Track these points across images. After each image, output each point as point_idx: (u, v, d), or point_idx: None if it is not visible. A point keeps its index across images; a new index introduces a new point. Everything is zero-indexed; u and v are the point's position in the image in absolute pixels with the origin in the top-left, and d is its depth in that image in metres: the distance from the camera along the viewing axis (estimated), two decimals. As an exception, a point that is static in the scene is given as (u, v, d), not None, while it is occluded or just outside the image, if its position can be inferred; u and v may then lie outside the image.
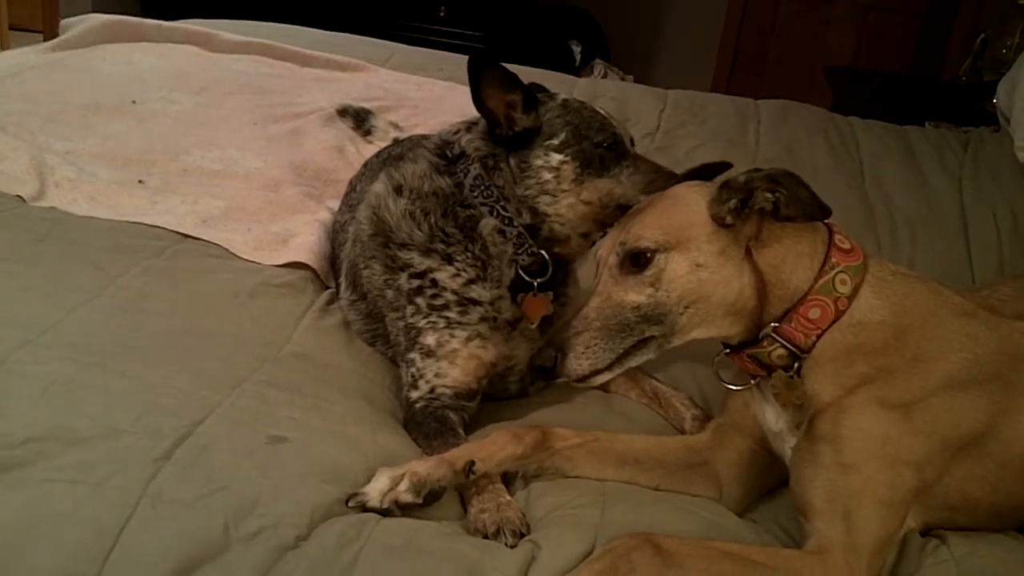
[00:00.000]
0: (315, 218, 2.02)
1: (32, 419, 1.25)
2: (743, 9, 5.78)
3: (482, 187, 1.57)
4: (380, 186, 1.68)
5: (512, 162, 1.57)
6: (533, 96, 1.59)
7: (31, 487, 1.16)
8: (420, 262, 1.59)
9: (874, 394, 1.31)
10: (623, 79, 5.19)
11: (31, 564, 1.09)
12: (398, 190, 1.64)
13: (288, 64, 2.94)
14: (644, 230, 1.37)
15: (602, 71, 5.26)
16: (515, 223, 1.56)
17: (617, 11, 5.73)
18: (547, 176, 1.56)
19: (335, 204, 2.06)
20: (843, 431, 1.30)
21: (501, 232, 1.57)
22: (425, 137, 2.11)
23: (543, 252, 1.58)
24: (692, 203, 1.39)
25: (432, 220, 1.59)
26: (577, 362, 1.35)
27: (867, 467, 1.27)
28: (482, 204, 1.57)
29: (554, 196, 1.56)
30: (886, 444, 1.28)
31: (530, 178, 1.56)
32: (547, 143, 1.57)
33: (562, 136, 1.57)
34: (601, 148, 1.57)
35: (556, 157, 1.56)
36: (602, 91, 3.12)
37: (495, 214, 1.57)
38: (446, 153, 1.63)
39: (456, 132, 1.66)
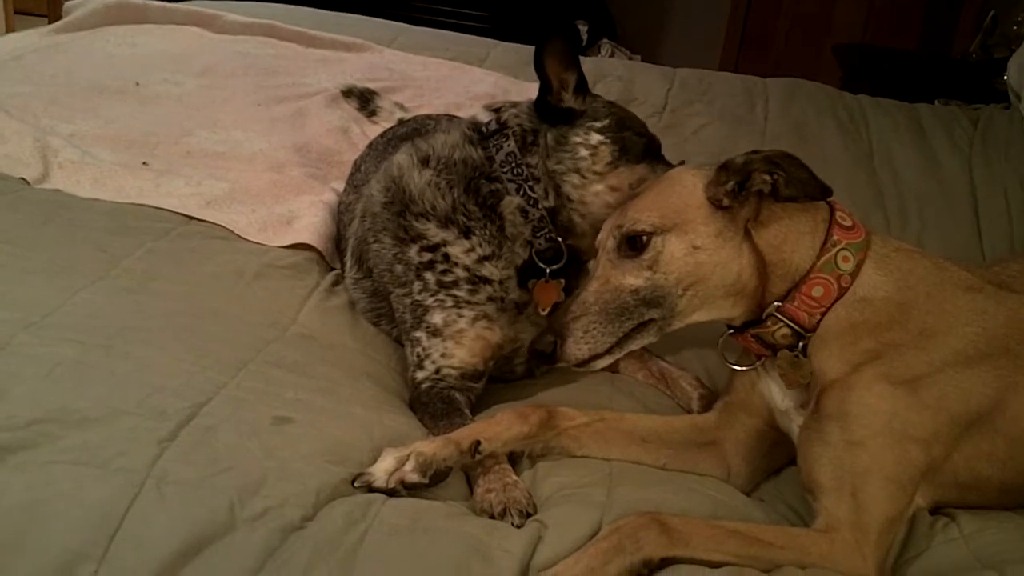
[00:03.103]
0: (320, 199, 2.01)
1: (37, 401, 1.25)
2: (751, -13, 5.74)
3: (513, 164, 1.57)
4: (403, 157, 1.67)
5: (550, 136, 1.58)
6: (585, 82, 1.60)
7: (36, 469, 1.16)
8: (435, 234, 1.58)
9: (881, 370, 1.30)
10: (630, 59, 5.15)
11: (37, 545, 1.09)
12: (424, 161, 1.63)
13: (292, 45, 2.93)
14: (641, 213, 1.37)
15: (609, 51, 5.22)
16: (540, 204, 1.56)
17: (624, -10, 5.69)
18: (583, 153, 1.56)
19: (340, 185, 2.05)
20: (850, 408, 1.29)
21: (523, 212, 1.56)
22: (430, 117, 2.11)
23: (560, 239, 1.58)
24: (689, 185, 1.38)
25: (456, 193, 1.58)
26: (576, 347, 1.35)
27: (874, 444, 1.27)
28: (509, 181, 1.57)
29: (584, 178, 1.56)
30: (893, 420, 1.27)
31: (564, 153, 1.56)
32: (590, 124, 1.58)
33: (605, 121, 1.59)
34: (642, 139, 1.59)
35: (596, 137, 1.57)
36: (609, 70, 3.09)
37: (521, 192, 1.56)
38: (481, 129, 1.63)
39: (499, 108, 1.66)
